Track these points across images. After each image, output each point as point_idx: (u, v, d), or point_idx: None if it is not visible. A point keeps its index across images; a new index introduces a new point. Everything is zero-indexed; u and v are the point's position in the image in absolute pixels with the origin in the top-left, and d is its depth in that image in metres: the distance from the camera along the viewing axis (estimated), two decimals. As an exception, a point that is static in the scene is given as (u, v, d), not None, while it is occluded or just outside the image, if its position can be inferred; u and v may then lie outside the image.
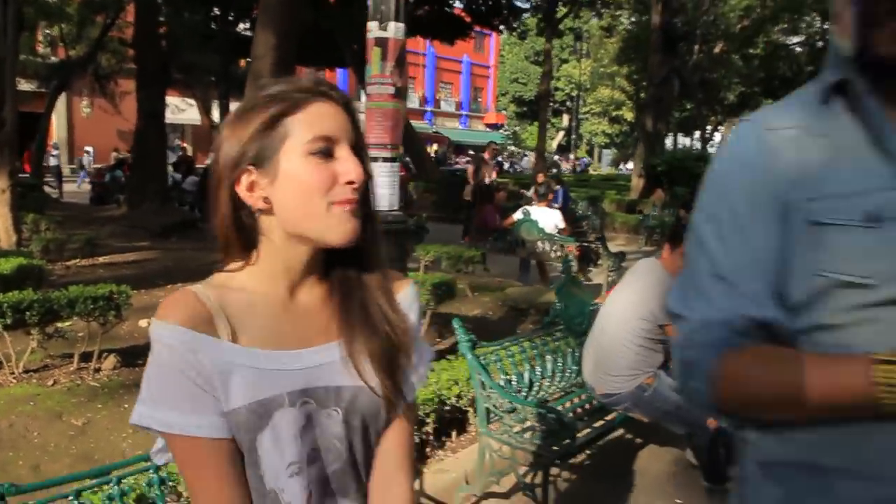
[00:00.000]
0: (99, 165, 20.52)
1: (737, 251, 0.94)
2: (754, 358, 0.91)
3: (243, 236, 0.94)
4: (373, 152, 4.09)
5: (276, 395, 0.91)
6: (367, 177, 0.94)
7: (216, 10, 17.11)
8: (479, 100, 45.56)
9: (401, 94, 4.13)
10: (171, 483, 2.09)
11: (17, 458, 3.26)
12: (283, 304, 0.96)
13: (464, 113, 43.48)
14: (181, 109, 24.32)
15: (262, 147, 0.90)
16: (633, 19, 26.40)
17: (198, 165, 17.34)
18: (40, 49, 21.39)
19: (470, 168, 12.29)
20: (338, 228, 0.91)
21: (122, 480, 1.93)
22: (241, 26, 17.94)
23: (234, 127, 0.93)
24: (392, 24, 3.97)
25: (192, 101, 23.32)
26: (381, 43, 3.98)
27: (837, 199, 0.89)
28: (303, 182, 0.90)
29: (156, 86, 12.59)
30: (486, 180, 11.63)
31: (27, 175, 15.74)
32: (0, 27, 7.49)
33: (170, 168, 14.96)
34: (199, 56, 15.96)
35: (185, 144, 27.54)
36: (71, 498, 1.79)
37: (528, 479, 3.21)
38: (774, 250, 0.93)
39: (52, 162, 19.60)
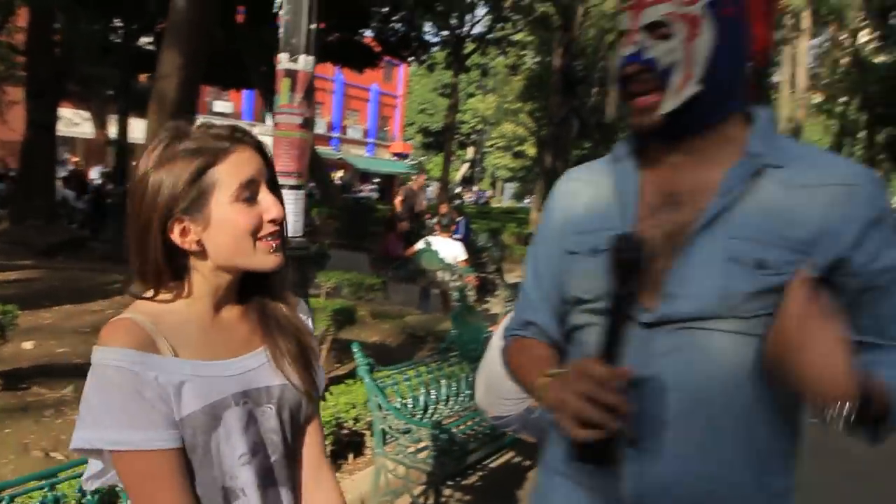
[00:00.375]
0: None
1: (531, 270, 1.30)
2: (515, 347, 1.30)
3: (170, 272, 1.06)
4: (280, 179, 4.17)
5: (223, 397, 1.04)
6: (283, 211, 1.08)
7: (116, 22, 16.55)
8: (387, 128, 45.93)
9: (308, 124, 4.25)
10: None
11: None
12: (210, 321, 1.09)
13: (370, 141, 43.68)
14: (75, 123, 23.18)
15: (192, 198, 1.02)
16: (536, 59, 27.57)
17: (91, 180, 16.56)
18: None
19: (398, 198, 12.42)
20: (266, 260, 1.07)
21: (14, 499, 1.94)
22: (144, 40, 17.43)
23: (158, 173, 1.02)
24: (302, 58, 4.09)
25: (87, 115, 22.30)
26: (291, 74, 4.10)
27: (582, 234, 1.18)
28: (233, 227, 1.03)
29: (48, 96, 12.03)
30: (417, 209, 11.82)
31: None
32: None
33: (59, 183, 14.24)
34: (97, 68, 15.34)
35: (75, 159, 26.17)
36: (4, 502, 1.80)
37: (421, 500, 3.35)
38: (551, 270, 1.24)
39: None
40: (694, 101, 1.08)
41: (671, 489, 1.06)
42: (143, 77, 17.86)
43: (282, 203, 1.08)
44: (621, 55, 1.13)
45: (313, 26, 4.13)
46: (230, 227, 1.03)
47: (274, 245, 1.07)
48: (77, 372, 4.79)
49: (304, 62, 4.11)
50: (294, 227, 4.03)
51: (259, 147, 1.08)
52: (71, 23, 14.76)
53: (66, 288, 6.94)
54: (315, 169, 18.81)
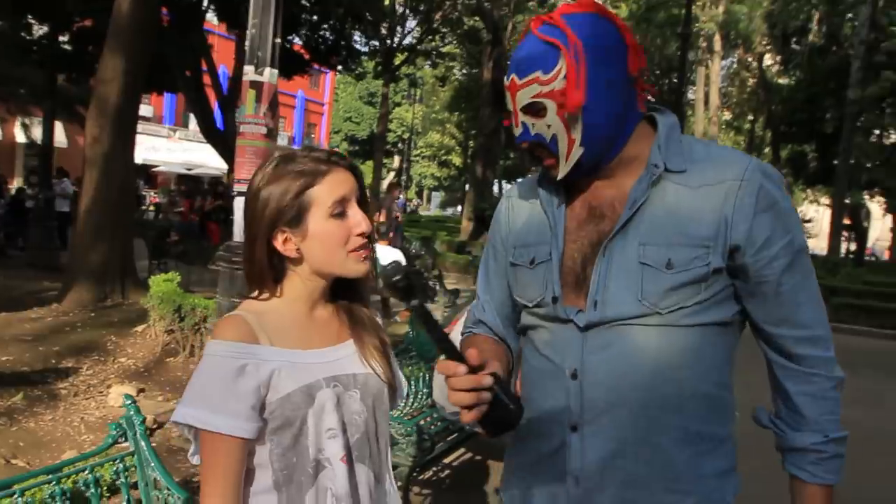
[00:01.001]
0: None
1: (483, 277, 1.47)
2: (468, 342, 1.44)
3: (271, 275, 1.25)
4: (242, 187, 4.27)
5: (316, 380, 1.19)
6: (371, 227, 1.26)
7: (31, 19, 15.85)
8: (313, 135, 45.53)
9: (271, 134, 4.38)
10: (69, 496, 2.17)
11: None
12: (306, 318, 1.27)
13: (296, 147, 43.19)
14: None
15: (293, 213, 1.20)
16: (464, 72, 28.08)
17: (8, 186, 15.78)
18: None
19: (382, 211, 12.41)
20: (354, 268, 1.24)
21: (25, 492, 2.00)
22: (62, 39, 16.75)
23: (268, 189, 1.21)
24: (268, 70, 4.24)
25: (-3, 115, 21.18)
26: (256, 86, 4.23)
27: (521, 248, 1.34)
28: (327, 239, 1.21)
29: None
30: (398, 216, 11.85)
31: None
32: None
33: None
34: (16, 67, 14.65)
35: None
36: (-30, 512, 1.85)
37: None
38: (499, 279, 1.42)
39: None
40: (587, 153, 1.20)
41: (609, 468, 1.19)
42: (61, 79, 17.15)
43: (371, 218, 1.28)
44: (514, 134, 1.26)
45: (278, 40, 4.28)
46: (325, 239, 1.20)
47: (363, 255, 1.24)
48: (25, 380, 4.72)
49: (270, 74, 4.26)
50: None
51: (353, 168, 1.27)
52: (-16, 18, 14.05)
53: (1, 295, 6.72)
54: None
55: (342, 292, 1.33)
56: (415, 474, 3.56)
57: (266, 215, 1.21)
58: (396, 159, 47.38)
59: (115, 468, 2.15)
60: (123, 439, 2.20)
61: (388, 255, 8.54)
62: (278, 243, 1.21)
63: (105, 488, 2.23)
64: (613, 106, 1.19)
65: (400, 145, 45.84)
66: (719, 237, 1.15)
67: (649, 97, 1.31)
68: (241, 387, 1.14)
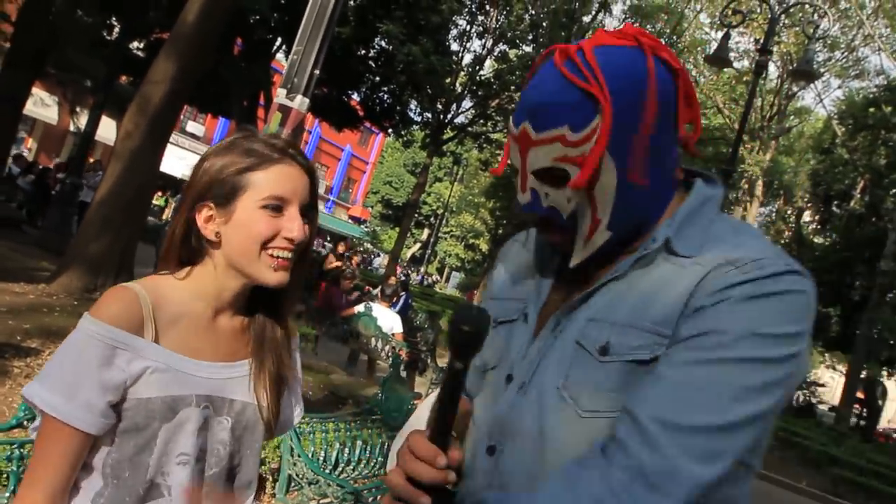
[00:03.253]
0: None
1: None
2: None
3: (185, 253, 1.11)
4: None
5: (186, 394, 1.05)
6: (307, 237, 1.11)
7: (113, 21, 16.59)
8: (350, 190, 46.28)
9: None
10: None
11: None
12: (207, 323, 1.12)
13: (331, 198, 43.83)
14: (46, 104, 22.70)
15: (226, 190, 1.08)
16: (508, 162, 28.49)
17: (42, 166, 16.10)
18: None
19: (354, 259, 12.45)
20: (265, 273, 1.09)
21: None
22: (135, 45, 17.45)
23: (213, 160, 1.10)
24: (299, 98, 4.23)
25: (55, 100, 21.89)
26: (284, 110, 4.21)
27: (494, 300, 1.12)
28: (250, 229, 1.07)
29: (26, 70, 11.82)
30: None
31: None
32: None
33: (9, 160, 13.81)
34: (84, 59, 15.22)
35: (29, 140, 25.44)
36: None
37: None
38: None
39: None
40: (614, 237, 0.95)
41: None
42: (122, 78, 17.75)
43: (311, 230, 1.12)
44: (518, 200, 1.00)
45: (317, 72, 4.29)
46: (246, 228, 1.07)
47: (278, 263, 1.09)
48: (-14, 349, 4.56)
49: (300, 102, 4.24)
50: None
51: (310, 170, 1.13)
52: (67, 9, 14.72)
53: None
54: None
55: (263, 307, 1.18)
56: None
57: (199, 183, 1.09)
58: (426, 232, 47.77)
59: (8, 453, 1.97)
60: (29, 424, 2.03)
61: (386, 316, 8.38)
62: (200, 218, 1.09)
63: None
64: (656, 180, 0.93)
65: (432, 219, 46.29)
66: (677, 322, 0.86)
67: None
68: (104, 379, 0.99)
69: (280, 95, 4.20)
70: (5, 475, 2.05)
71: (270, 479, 3.70)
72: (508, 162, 1.04)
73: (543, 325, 1.00)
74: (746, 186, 25.08)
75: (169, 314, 1.07)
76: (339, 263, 11.82)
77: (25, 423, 2.03)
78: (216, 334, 1.13)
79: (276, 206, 1.08)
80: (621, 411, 0.86)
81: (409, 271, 37.65)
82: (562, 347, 0.95)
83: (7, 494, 1.95)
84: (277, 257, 1.08)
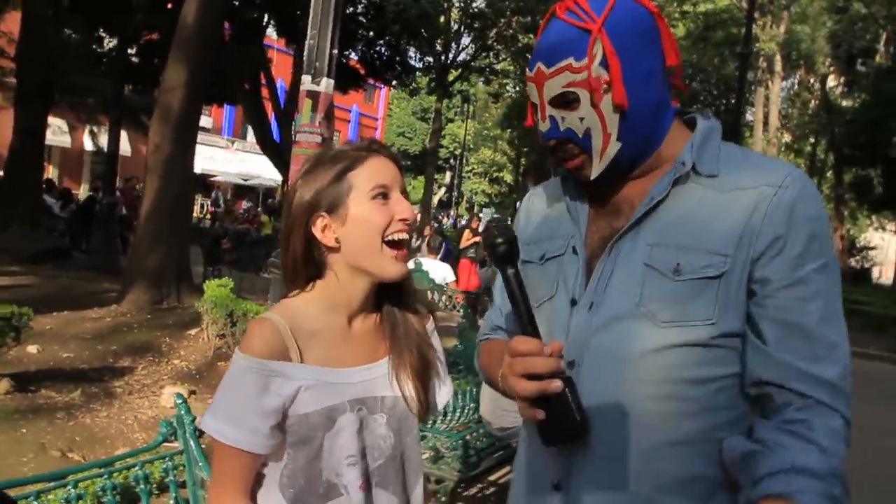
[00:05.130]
0: None
1: (498, 283, 1.36)
2: (485, 349, 1.35)
3: (311, 270, 1.20)
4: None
5: (339, 402, 1.14)
6: (415, 214, 1.21)
7: (102, 33, 16.57)
8: (365, 149, 46.02)
9: (327, 143, 4.44)
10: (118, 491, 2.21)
11: None
12: (343, 331, 1.20)
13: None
14: (63, 131, 23.00)
15: (332, 197, 1.14)
16: (517, 88, 28.11)
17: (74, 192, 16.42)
18: None
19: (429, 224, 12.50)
20: (389, 266, 1.15)
21: (79, 484, 2.05)
22: (130, 51, 17.46)
23: (306, 181, 1.17)
24: (324, 80, 4.31)
25: (67, 124, 22.12)
26: (313, 96, 4.30)
27: (533, 244, 1.25)
28: (367, 222, 1.14)
29: (36, 103, 12.00)
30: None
31: None
32: None
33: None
34: (87, 78, 15.31)
35: (49, 168, 25.84)
36: (31, 498, 1.90)
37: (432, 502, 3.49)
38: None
39: None
40: (624, 149, 1.10)
41: (599, 452, 1.08)
42: (126, 89, 17.85)
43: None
44: (540, 130, 1.16)
45: (335, 51, 4.35)
46: (364, 222, 1.14)
47: (398, 254, 1.15)
48: (83, 377, 4.87)
49: (326, 84, 4.32)
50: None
51: (395, 159, 1.22)
52: (58, 31, 14.75)
53: (62, 295, 6.97)
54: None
55: (389, 302, 1.26)
56: (460, 489, 3.52)
57: (304, 203, 1.16)
58: (448, 175, 47.61)
59: (164, 465, 2.18)
60: (174, 438, 2.23)
61: (436, 268, 8.55)
62: (317, 230, 1.16)
63: (155, 485, 2.27)
64: (652, 97, 1.10)
65: (452, 161, 46.03)
66: (741, 248, 1.03)
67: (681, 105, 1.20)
68: (265, 405, 1.10)
69: (305, 82, 4.28)
70: (164, 486, 2.27)
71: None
72: (519, 91, 1.21)
73: (593, 253, 1.14)
74: (765, 64, 24.37)
75: (307, 332, 1.15)
76: (476, 238, 11.81)
77: (170, 438, 2.25)
78: (354, 340, 1.20)
79: (384, 194, 1.15)
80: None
81: (441, 216, 37.77)
82: (628, 270, 1.08)
83: (170, 502, 2.18)
84: (396, 244, 1.15)
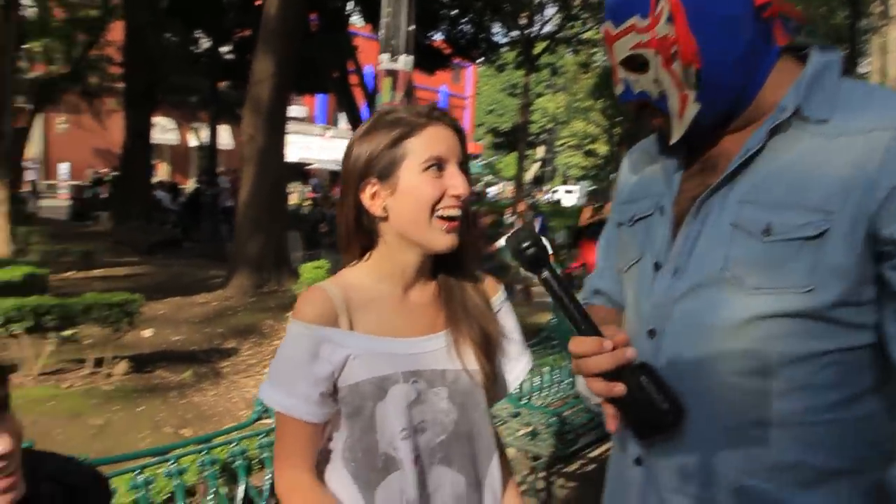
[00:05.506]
0: (76, 182, 20.41)
1: (602, 243, 1.30)
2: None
3: (362, 237, 1.15)
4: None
5: (391, 372, 1.08)
6: (470, 191, 1.14)
7: (199, 34, 17.33)
8: (456, 129, 46.09)
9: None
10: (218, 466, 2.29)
11: (41, 453, 3.40)
12: (399, 301, 1.15)
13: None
14: (164, 129, 24.38)
15: (385, 163, 1.08)
16: (607, 57, 27.21)
17: (180, 186, 17.40)
18: (20, 64, 21.28)
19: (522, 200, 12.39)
20: (438, 238, 1.09)
21: (180, 459, 2.13)
22: (223, 49, 18.18)
23: (361, 143, 1.13)
24: (402, 57, 4.28)
25: (173, 123, 23.40)
26: (392, 74, 4.29)
27: (626, 204, 1.18)
28: (418, 195, 1.07)
29: (143, 106, 12.73)
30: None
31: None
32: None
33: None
34: (186, 78, 16.10)
35: (160, 165, 27.42)
36: (136, 473, 1.99)
37: (529, 482, 3.44)
38: (609, 241, 1.26)
39: (30, 177, 19.47)
40: (707, 109, 0.99)
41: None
42: (220, 84, 18.66)
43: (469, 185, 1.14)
44: (616, 93, 1.09)
45: (411, 28, 4.31)
46: (414, 194, 1.08)
47: (448, 226, 1.09)
48: (193, 359, 5.14)
49: (404, 62, 4.30)
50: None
51: (457, 128, 1.15)
52: (157, 36, 15.55)
53: (173, 283, 7.39)
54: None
55: (449, 273, 1.20)
56: (558, 466, 3.45)
57: (357, 166, 1.12)
58: (540, 150, 47.00)
59: (259, 442, 2.24)
60: (268, 415, 2.28)
61: (529, 243, 8.44)
62: (365, 197, 1.11)
63: (254, 461, 2.33)
64: (734, 48, 0.97)
65: (543, 136, 45.38)
66: (849, 203, 0.88)
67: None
68: (315, 371, 1.08)
69: (383, 61, 4.27)
70: (258, 461, 2.33)
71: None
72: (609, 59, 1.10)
73: (682, 214, 1.04)
74: (879, 9, 22.43)
75: (360, 301, 1.12)
76: (599, 216, 11.70)
77: (263, 415, 2.30)
78: (410, 310, 1.15)
79: (438, 166, 1.09)
80: None
81: (535, 192, 37.39)
82: (715, 231, 0.97)
83: (267, 477, 2.23)
84: (447, 218, 1.09)
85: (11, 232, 7.68)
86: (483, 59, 21.58)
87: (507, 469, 1.25)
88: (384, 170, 1.09)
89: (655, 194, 1.11)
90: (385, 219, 1.11)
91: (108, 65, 17.50)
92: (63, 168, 24.27)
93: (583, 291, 1.38)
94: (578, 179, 47.35)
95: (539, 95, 44.40)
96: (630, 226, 1.14)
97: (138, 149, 12.65)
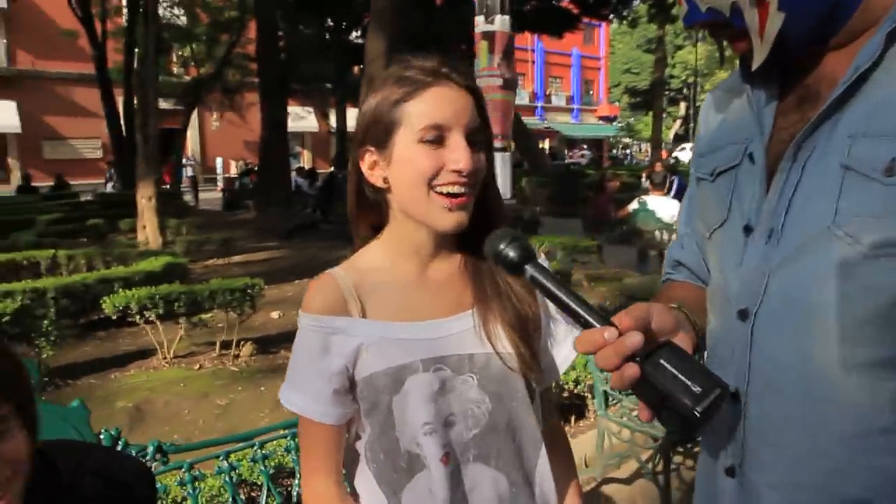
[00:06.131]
0: (228, 175, 21.92)
1: (685, 204, 1.08)
2: (663, 291, 1.07)
3: (369, 212, 1.01)
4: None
5: (409, 361, 0.95)
6: (479, 165, 0.95)
7: (329, 22, 17.88)
8: (591, 92, 44.76)
9: (509, 85, 4.22)
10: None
11: (172, 432, 3.61)
12: (416, 280, 1.01)
13: (575, 107, 42.87)
14: (301, 117, 25.56)
15: (381, 130, 0.95)
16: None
17: (320, 171, 18.22)
18: (174, 69, 23.14)
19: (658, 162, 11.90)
20: (440, 217, 0.94)
21: (264, 445, 2.12)
22: (354, 34, 18.66)
23: (366, 104, 0.99)
24: (498, 18, 4.06)
25: (311, 109, 24.47)
26: (488, 36, 4.08)
27: (706, 155, 0.96)
28: (412, 168, 0.93)
29: (277, 97, 13.33)
30: None
31: (167, 186, 17.12)
32: (142, 51, 8.23)
33: (293, 174, 15.85)
34: (316, 65, 16.72)
35: (304, 152, 28.86)
36: (221, 458, 1.99)
37: (650, 465, 3.19)
38: (690, 200, 1.04)
39: (189, 173, 21.19)
40: (794, 19, 0.78)
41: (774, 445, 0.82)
42: (356, 69, 19.23)
43: (487, 157, 0.97)
44: (681, 17, 0.89)
45: (508, -16, 4.07)
46: (408, 167, 0.94)
47: (451, 203, 0.93)
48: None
49: (501, 22, 4.07)
50: (502, 189, 4.03)
51: (471, 88, 0.96)
52: (290, 28, 16.21)
53: (305, 264, 7.68)
54: (522, 139, 18.89)
55: (469, 246, 1.02)
56: (678, 448, 3.16)
57: (357, 132, 0.99)
58: (682, 106, 44.50)
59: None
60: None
61: (664, 205, 7.92)
62: (364, 166, 0.98)
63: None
64: None
65: (685, 91, 42.88)
66: None
67: None
68: (327, 367, 0.96)
69: (479, 23, 4.08)
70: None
71: (589, 395, 3.71)
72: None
73: (777, 161, 0.82)
74: None
75: (372, 284, 0.99)
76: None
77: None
78: (431, 289, 1.01)
79: (437, 137, 0.93)
80: None
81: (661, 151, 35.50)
82: (819, 177, 0.77)
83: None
84: (449, 195, 0.93)
85: (163, 225, 8.32)
86: (613, 15, 20.60)
87: (565, 466, 1.08)
88: (381, 137, 0.96)
89: (742, 139, 0.89)
90: (388, 190, 0.98)
91: (247, 62, 18.55)
92: (218, 162, 26.17)
93: (664, 264, 1.16)
94: (725, 134, 44.41)
95: (678, 48, 41.94)
96: (711, 181, 0.93)
97: (276, 138, 13.28)
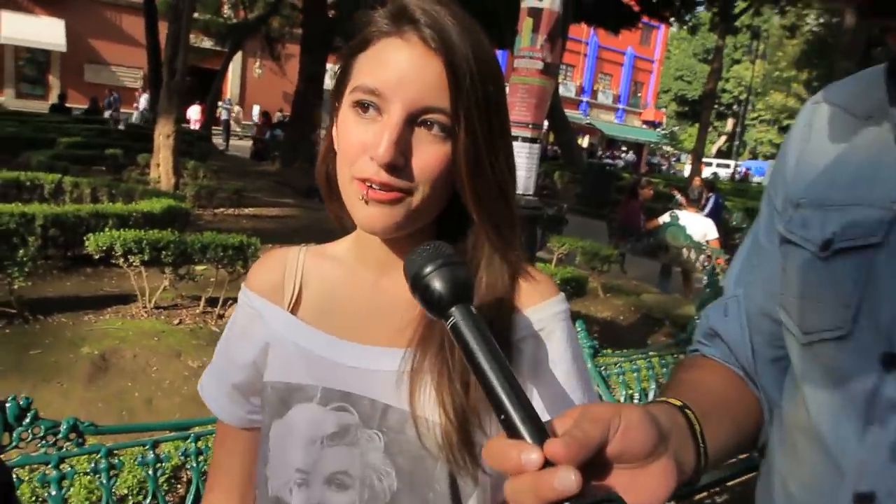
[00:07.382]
0: (259, 123, 21.77)
1: (740, 256, 0.80)
2: (684, 368, 0.80)
3: (333, 194, 0.76)
4: (512, 131, 3.84)
5: (307, 384, 0.74)
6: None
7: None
8: (639, 94, 43.83)
9: (550, 71, 3.84)
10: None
11: (134, 388, 3.36)
12: (369, 291, 0.77)
13: (621, 107, 42.01)
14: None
15: (337, 84, 0.73)
16: (821, 20, 24.16)
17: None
18: (225, 11, 22.89)
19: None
20: (354, 207, 0.69)
21: (200, 439, 1.86)
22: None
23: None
24: (550, -6, 3.69)
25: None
26: (535, 14, 3.70)
27: (814, 208, 0.64)
28: (342, 137, 0.70)
29: (319, 50, 13.00)
30: None
31: (196, 126, 16.94)
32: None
33: (323, 131, 15.61)
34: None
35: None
36: (147, 447, 1.74)
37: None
38: (767, 258, 0.73)
39: (224, 116, 21.00)
40: None
41: None
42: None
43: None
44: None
45: (565, -42, 3.69)
46: (340, 136, 0.71)
47: (365, 193, 0.66)
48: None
49: (551, 0, 3.70)
50: (525, 183, 3.69)
51: (444, 49, 0.65)
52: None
53: (316, 227, 7.40)
54: (561, 131, 18.45)
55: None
56: (681, 493, 2.86)
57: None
58: (730, 122, 43.48)
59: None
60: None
61: (696, 223, 7.53)
62: (334, 131, 0.75)
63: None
64: None
65: (735, 107, 41.87)
66: None
67: None
68: (237, 355, 0.80)
69: (528, -1, 3.71)
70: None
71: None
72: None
73: None
74: None
75: (321, 277, 0.79)
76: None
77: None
78: (381, 305, 0.76)
79: (366, 104, 0.67)
80: None
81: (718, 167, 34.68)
82: None
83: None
84: (364, 180, 0.66)
85: (179, 165, 8.08)
86: (675, 19, 19.96)
87: None
88: (338, 91, 0.74)
89: (887, 201, 0.57)
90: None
91: (295, 12, 18.25)
92: (256, 110, 25.98)
93: (696, 331, 0.85)
94: (768, 157, 43.44)
95: (735, 62, 40.93)
96: (823, 259, 0.61)
97: (310, 93, 12.99)
